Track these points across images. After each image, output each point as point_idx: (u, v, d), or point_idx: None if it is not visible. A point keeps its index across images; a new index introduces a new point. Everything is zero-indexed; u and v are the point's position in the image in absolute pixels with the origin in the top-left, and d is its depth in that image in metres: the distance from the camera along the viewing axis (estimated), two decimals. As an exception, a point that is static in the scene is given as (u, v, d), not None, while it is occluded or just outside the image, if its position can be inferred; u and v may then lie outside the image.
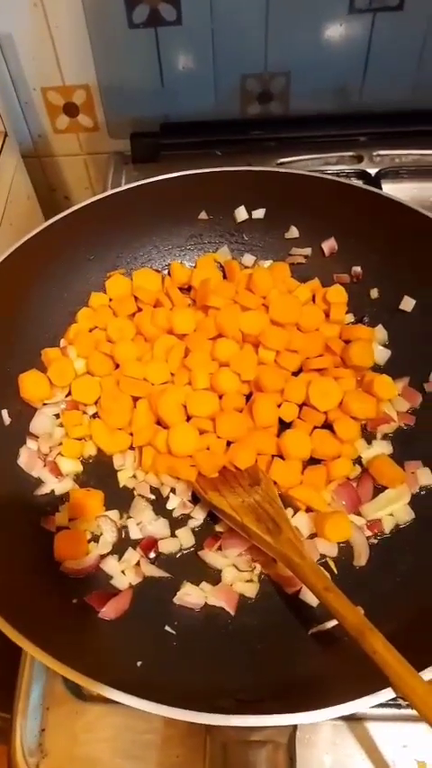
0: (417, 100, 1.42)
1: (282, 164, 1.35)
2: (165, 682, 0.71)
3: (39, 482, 0.94)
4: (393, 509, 0.89)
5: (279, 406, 0.96)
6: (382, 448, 0.94)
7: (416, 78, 1.39)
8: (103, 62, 1.37)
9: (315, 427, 0.95)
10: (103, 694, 0.65)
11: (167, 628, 0.80)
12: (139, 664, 0.75)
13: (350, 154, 1.39)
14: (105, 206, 1.07)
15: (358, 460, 0.94)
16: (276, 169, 1.12)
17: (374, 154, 1.39)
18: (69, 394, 1.01)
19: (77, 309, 1.08)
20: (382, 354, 1.03)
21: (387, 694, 0.62)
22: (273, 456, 0.92)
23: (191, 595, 0.82)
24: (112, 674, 0.68)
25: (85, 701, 0.81)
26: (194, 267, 1.13)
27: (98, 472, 0.96)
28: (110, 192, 1.09)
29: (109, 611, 0.80)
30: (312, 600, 0.81)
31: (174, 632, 0.80)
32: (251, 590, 0.83)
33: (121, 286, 1.08)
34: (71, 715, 0.81)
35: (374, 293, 1.08)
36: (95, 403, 1.00)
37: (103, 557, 0.87)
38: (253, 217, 1.13)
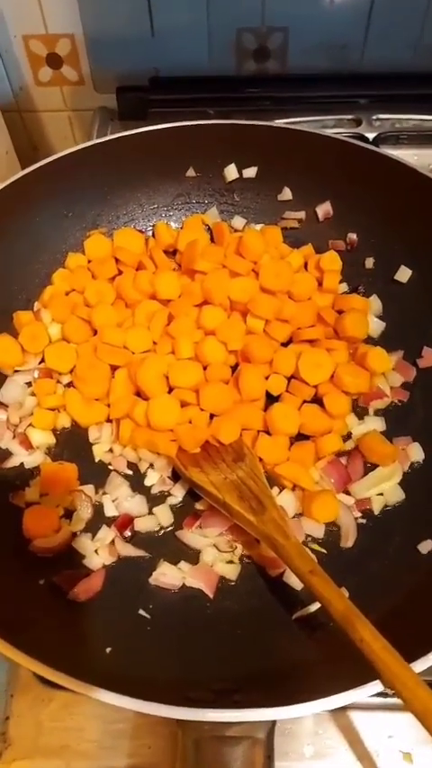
0: (418, 62, 1.35)
1: (277, 126, 1.28)
2: (134, 670, 0.66)
3: (7, 454, 0.88)
4: (383, 488, 0.84)
5: (267, 378, 0.90)
6: (374, 424, 0.89)
7: (418, 39, 1.32)
8: (90, 9, 1.27)
9: (304, 401, 0.89)
10: (64, 685, 0.59)
11: (141, 611, 0.75)
12: (108, 650, 0.69)
13: (349, 117, 1.32)
14: (86, 158, 1.00)
15: (348, 437, 0.89)
16: (270, 123, 1.05)
17: (374, 118, 1.31)
18: (42, 361, 0.94)
19: (53, 270, 1.00)
20: (376, 326, 0.97)
21: (375, 687, 0.57)
22: (258, 431, 0.87)
23: (167, 575, 0.77)
24: (76, 662, 0.63)
25: (52, 687, 0.76)
26: (181, 228, 1.06)
27: (72, 445, 0.89)
28: (91, 142, 1.02)
29: (79, 592, 0.75)
30: (296, 583, 0.76)
31: (148, 616, 0.75)
32: (232, 572, 0.78)
33: (101, 246, 1.01)
34: (37, 702, 0.77)
35: (370, 262, 1.02)
36: (71, 372, 0.93)
37: (75, 535, 0.81)
38: (244, 176, 1.06)
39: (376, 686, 0.57)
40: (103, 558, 0.79)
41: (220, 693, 0.61)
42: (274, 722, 0.58)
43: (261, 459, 0.84)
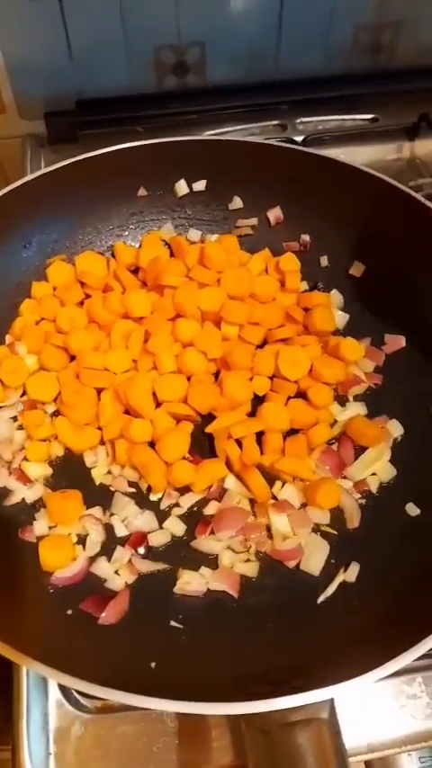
0: (330, 65, 1.42)
1: (207, 138, 1.32)
2: (185, 678, 0.68)
3: (7, 492, 0.87)
4: (376, 468, 0.89)
5: (250, 380, 0.93)
6: (356, 409, 0.94)
7: (327, 44, 1.40)
8: (6, 34, 1.26)
9: (289, 397, 0.93)
10: (126, 703, 0.60)
11: (173, 623, 0.76)
12: (153, 665, 0.70)
13: (274, 123, 1.38)
14: (35, 188, 1.00)
15: (334, 424, 0.93)
16: (213, 137, 1.09)
17: (297, 121, 1.38)
18: (24, 393, 0.94)
19: (20, 302, 1.00)
20: (341, 318, 1.03)
21: (421, 649, 0.62)
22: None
23: (191, 583, 0.79)
24: (128, 679, 0.64)
25: (91, 713, 0.76)
26: (140, 247, 1.07)
27: (69, 472, 0.89)
28: (39, 172, 1.01)
29: (109, 615, 0.75)
30: (315, 568, 0.80)
31: (180, 626, 0.76)
32: (251, 569, 0.81)
33: (63, 272, 1.01)
34: (79, 732, 0.76)
35: (324, 260, 1.08)
36: (55, 400, 0.93)
37: (92, 560, 0.81)
38: (194, 189, 1.09)
39: (422, 647, 0.61)
40: (125, 578, 0.80)
41: (275, 684, 0.64)
42: (332, 700, 0.61)
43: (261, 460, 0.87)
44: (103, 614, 0.75)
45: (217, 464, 0.86)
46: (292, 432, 0.91)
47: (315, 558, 0.81)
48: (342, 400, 0.96)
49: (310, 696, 0.58)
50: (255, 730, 0.61)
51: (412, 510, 0.85)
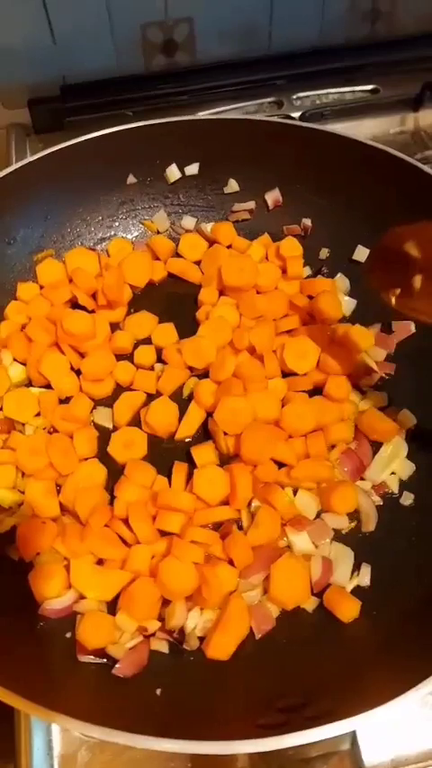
0: (325, 37, 1.35)
1: (200, 119, 1.25)
2: (193, 707, 0.63)
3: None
4: (394, 467, 0.83)
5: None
6: (375, 400, 0.88)
7: (321, 15, 1.32)
8: (-16, 21, 1.20)
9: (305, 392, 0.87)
10: (126, 744, 0.55)
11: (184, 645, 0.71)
12: (158, 692, 0.65)
13: (269, 100, 1.30)
14: (18, 180, 0.94)
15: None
16: (204, 116, 1.02)
17: (294, 97, 1.30)
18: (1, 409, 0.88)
19: (5, 304, 0.94)
20: (348, 305, 0.97)
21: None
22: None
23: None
24: (130, 713, 0.59)
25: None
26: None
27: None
28: (20, 163, 0.95)
29: (124, 667, 0.69)
30: (344, 579, 0.75)
31: (188, 648, 0.71)
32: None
33: (54, 271, 0.95)
34: (86, 759, 0.71)
35: (327, 244, 1.01)
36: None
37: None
38: (186, 174, 1.03)
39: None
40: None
41: (289, 712, 0.59)
42: (354, 730, 0.56)
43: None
44: (118, 666, 0.68)
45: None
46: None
47: (342, 567, 0.76)
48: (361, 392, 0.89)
49: (327, 731, 0.53)
50: (270, 765, 0.55)
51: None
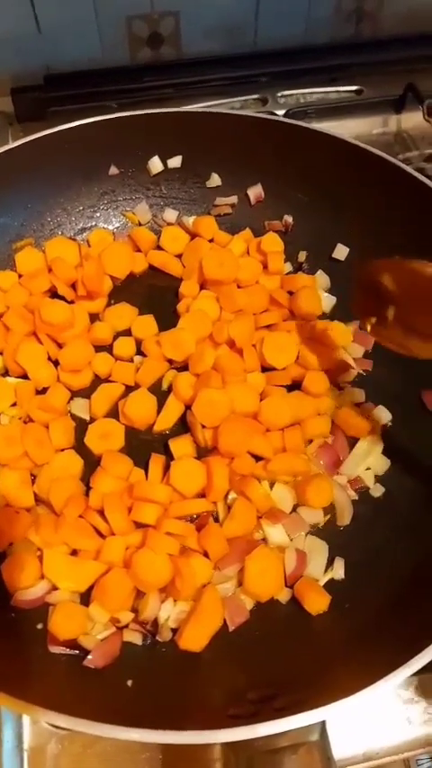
0: (311, 36, 1.35)
1: (184, 113, 1.24)
2: (164, 698, 0.62)
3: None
4: (370, 462, 0.83)
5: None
6: (353, 396, 0.88)
7: (308, 13, 1.32)
8: (-33, 7, 1.18)
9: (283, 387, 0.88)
10: (96, 734, 0.55)
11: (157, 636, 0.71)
12: (129, 683, 0.65)
13: (254, 97, 1.31)
14: (-2, 167, 0.93)
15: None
16: (188, 109, 1.01)
17: (279, 95, 1.31)
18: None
19: (-18, 293, 0.93)
20: (327, 301, 0.97)
21: (420, 662, 0.56)
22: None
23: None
24: (99, 704, 0.59)
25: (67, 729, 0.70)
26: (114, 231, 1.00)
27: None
28: (1, 149, 0.93)
29: (96, 658, 0.68)
30: (318, 572, 0.76)
31: (160, 640, 0.71)
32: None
33: (34, 260, 0.94)
34: (56, 751, 0.71)
35: (307, 243, 1.01)
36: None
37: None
38: (169, 166, 1.02)
39: (422, 660, 0.56)
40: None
41: (260, 702, 0.59)
42: (324, 721, 0.56)
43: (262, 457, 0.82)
44: (90, 657, 0.68)
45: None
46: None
47: (317, 560, 0.76)
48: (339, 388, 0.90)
49: (295, 720, 0.53)
50: (240, 757, 0.55)
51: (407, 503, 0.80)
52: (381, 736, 0.72)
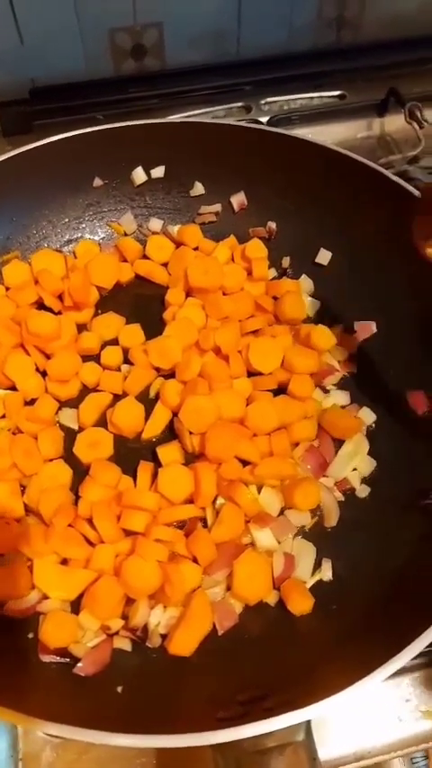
0: (293, 43, 1.37)
1: (169, 123, 1.26)
2: (154, 703, 0.63)
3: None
4: (356, 463, 0.84)
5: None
6: (338, 399, 0.89)
7: (289, 20, 1.34)
8: None
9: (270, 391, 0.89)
10: (87, 741, 0.55)
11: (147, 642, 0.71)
12: (119, 689, 0.65)
13: (238, 105, 1.32)
14: (-19, 181, 0.94)
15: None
16: (169, 120, 1.03)
17: (262, 102, 1.32)
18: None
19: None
20: (312, 305, 0.98)
21: (401, 661, 0.57)
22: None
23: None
24: (90, 710, 0.59)
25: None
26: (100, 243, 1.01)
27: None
28: (-16, 164, 0.95)
29: (87, 665, 0.68)
30: (306, 574, 0.77)
31: (150, 645, 0.71)
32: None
33: (21, 273, 0.95)
34: (50, 758, 0.71)
35: (291, 247, 1.02)
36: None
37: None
38: (152, 176, 1.03)
39: (403, 659, 0.57)
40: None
41: (249, 704, 0.60)
42: (309, 721, 0.57)
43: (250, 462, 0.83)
44: (80, 664, 0.68)
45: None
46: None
47: (304, 562, 0.77)
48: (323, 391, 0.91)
49: (283, 720, 0.53)
50: (228, 758, 0.56)
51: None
52: (372, 736, 0.73)
